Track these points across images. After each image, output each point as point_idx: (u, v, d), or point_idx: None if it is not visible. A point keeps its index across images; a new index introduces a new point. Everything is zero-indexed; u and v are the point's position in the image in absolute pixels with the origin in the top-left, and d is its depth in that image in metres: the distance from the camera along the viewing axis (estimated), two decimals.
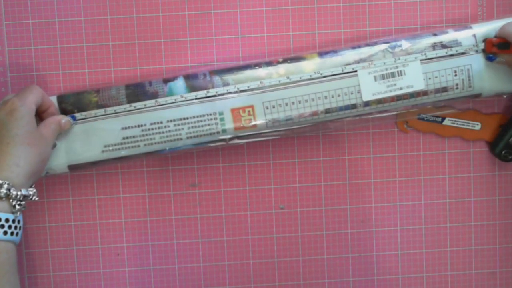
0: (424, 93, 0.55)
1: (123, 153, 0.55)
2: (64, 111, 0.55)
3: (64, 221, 0.60)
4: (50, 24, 0.59)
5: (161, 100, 0.55)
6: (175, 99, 0.55)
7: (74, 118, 0.55)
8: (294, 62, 0.55)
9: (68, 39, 0.59)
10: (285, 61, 0.56)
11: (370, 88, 0.55)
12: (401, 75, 0.55)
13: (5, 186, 0.48)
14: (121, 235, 0.61)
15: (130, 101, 0.55)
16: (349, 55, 0.55)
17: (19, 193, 0.49)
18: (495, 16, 0.60)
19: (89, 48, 0.59)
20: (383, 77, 0.55)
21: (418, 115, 0.60)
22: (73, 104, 0.55)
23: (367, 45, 0.56)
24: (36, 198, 0.51)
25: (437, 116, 0.60)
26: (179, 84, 0.55)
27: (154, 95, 0.55)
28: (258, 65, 0.56)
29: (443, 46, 0.55)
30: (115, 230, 0.61)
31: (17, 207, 0.49)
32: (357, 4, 0.59)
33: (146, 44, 0.59)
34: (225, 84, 0.55)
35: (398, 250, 0.62)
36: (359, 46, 0.56)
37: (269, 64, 0.56)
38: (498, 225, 0.62)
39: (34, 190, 0.51)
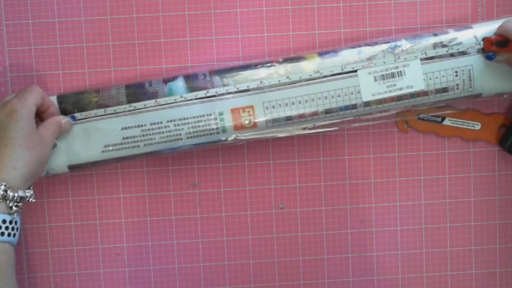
0: (424, 93, 0.55)
1: (123, 153, 0.55)
2: (64, 111, 0.55)
3: (64, 221, 0.60)
4: (50, 24, 0.59)
5: (161, 100, 0.55)
6: (175, 99, 0.55)
7: (74, 118, 0.55)
8: (294, 62, 0.55)
9: (68, 39, 0.59)
10: (285, 61, 0.56)
11: (370, 88, 0.55)
12: (401, 75, 0.55)
13: (2, 188, 0.48)
14: (121, 235, 0.61)
15: (130, 101, 0.55)
16: (349, 55, 0.55)
17: (16, 194, 0.49)
18: (495, 16, 0.60)
19: (89, 48, 0.59)
20: (383, 77, 0.55)
21: (418, 115, 0.60)
22: (73, 104, 0.55)
23: (367, 45, 0.56)
24: (33, 200, 0.51)
25: (437, 116, 0.60)
26: (179, 84, 0.55)
27: (154, 95, 0.55)
28: (258, 65, 0.56)
29: (444, 46, 0.55)
30: (115, 230, 0.61)
31: (14, 208, 0.49)
32: (357, 4, 0.59)
33: (146, 44, 0.59)
34: (225, 84, 0.55)
35: (398, 250, 0.62)
36: (359, 46, 0.56)
37: (269, 64, 0.56)
38: (498, 225, 0.62)
39: (32, 192, 0.51)
